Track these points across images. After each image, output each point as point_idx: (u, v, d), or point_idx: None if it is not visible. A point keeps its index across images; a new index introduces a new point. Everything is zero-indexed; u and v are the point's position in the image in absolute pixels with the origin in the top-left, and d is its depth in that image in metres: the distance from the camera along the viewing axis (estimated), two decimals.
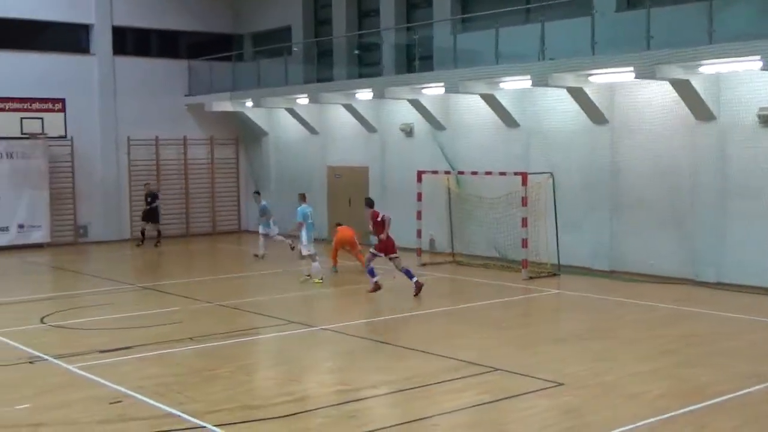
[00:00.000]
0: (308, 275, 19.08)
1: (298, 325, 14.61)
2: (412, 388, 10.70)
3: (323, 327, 14.50)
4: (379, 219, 17.69)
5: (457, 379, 11.09)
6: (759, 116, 16.81)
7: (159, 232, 27.13)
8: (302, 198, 19.89)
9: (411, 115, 23.90)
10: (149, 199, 26.93)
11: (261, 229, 23.67)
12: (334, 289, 18.69)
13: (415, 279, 17.31)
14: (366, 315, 15.97)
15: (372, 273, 17.58)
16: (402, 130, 24.52)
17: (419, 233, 21.87)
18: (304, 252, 19.24)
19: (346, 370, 11.98)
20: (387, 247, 17.61)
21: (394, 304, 16.84)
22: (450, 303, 17.22)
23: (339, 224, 21.52)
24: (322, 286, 18.57)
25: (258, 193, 25.08)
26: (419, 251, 21.69)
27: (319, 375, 11.82)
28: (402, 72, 23.69)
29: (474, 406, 9.94)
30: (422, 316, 15.75)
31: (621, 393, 10.31)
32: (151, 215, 26.91)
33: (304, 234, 18.86)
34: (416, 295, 17.06)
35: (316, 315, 16.18)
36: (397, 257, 17.68)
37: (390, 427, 9.33)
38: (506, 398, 10.23)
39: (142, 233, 26.96)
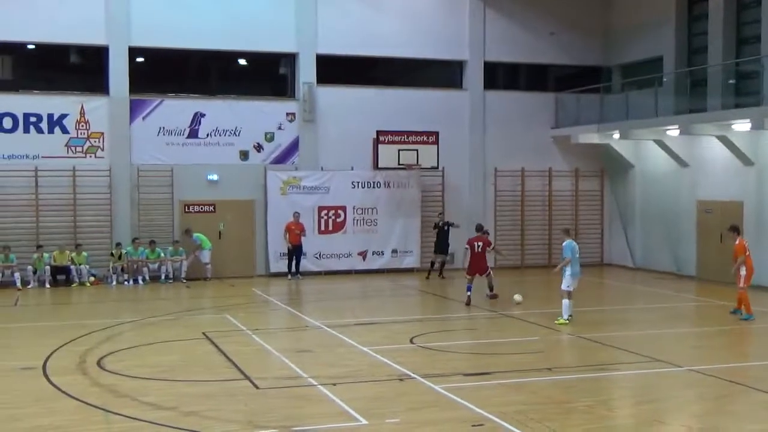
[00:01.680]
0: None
1: (663, 364, 14.03)
2: None
3: (690, 368, 13.81)
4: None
5: None
6: None
7: (443, 263, 26.79)
8: (567, 233, 18.98)
9: None
10: (444, 228, 26.72)
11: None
12: (705, 329, 17.76)
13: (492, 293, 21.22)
14: (739, 359, 14.95)
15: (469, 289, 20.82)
16: None
17: None
18: (564, 287, 17.92)
19: (715, 414, 11.30)
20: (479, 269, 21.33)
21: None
22: None
23: None
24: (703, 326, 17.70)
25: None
26: None
27: (686, 417, 11.26)
28: None
29: None
30: None
31: None
32: (442, 246, 26.70)
33: (568, 271, 17.92)
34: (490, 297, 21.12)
35: (682, 354, 15.44)
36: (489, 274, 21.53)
37: None
38: None
39: (432, 265, 26.98)
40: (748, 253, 18.42)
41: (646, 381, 13.19)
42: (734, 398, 12.10)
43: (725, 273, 24.23)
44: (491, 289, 21.46)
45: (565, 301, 17.80)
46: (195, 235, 25.88)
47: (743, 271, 18.28)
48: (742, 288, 18.31)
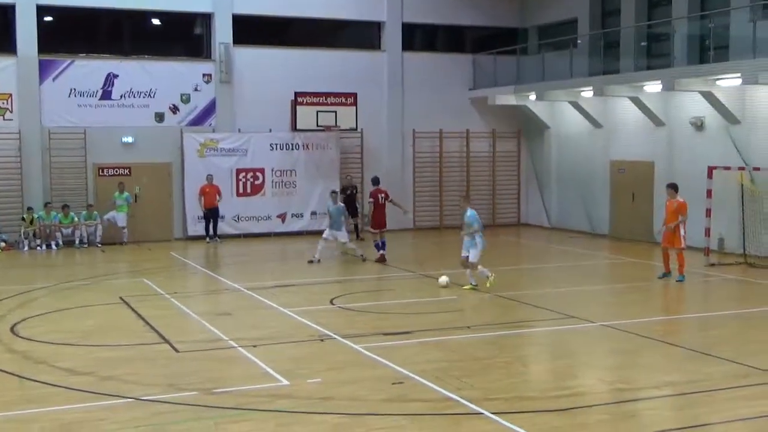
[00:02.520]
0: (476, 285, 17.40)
1: (578, 320, 14.41)
2: (696, 392, 10.22)
3: (603, 323, 14.20)
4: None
5: (746, 386, 10.46)
6: None
7: (356, 225, 26.73)
8: (468, 200, 18.30)
9: (702, 108, 22.77)
10: (348, 192, 26.67)
11: (327, 234, 21.90)
12: (617, 286, 18.25)
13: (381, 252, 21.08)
14: (649, 314, 15.42)
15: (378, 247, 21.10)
16: (692, 123, 23.41)
17: (707, 232, 20.78)
18: (473, 259, 17.11)
19: (626, 368, 11.67)
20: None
21: (678, 304, 16.17)
22: (740, 306, 16.23)
23: None
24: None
25: (336, 193, 23.43)
26: (707, 251, 20.63)
27: (598, 371, 11.60)
28: (694, 63, 22.59)
29: (764, 416, 9.33)
30: (710, 318, 14.99)
31: None
32: (350, 209, 26.07)
33: (479, 242, 17.12)
34: (376, 261, 21.05)
35: (596, 311, 15.85)
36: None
37: (674, 430, 9.00)
38: None
39: None
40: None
41: (562, 337, 13.54)
42: (645, 352, 12.48)
43: (636, 231, 25.00)
44: (383, 247, 21.56)
45: (472, 271, 17.13)
46: (125, 194, 25.42)
47: (683, 231, 18.12)
48: (684, 248, 18.22)
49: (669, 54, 23.59)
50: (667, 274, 18.55)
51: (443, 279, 17.70)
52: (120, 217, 25.53)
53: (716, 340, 13.00)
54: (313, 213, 27.95)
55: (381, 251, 21.40)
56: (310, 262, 21.46)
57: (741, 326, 14.37)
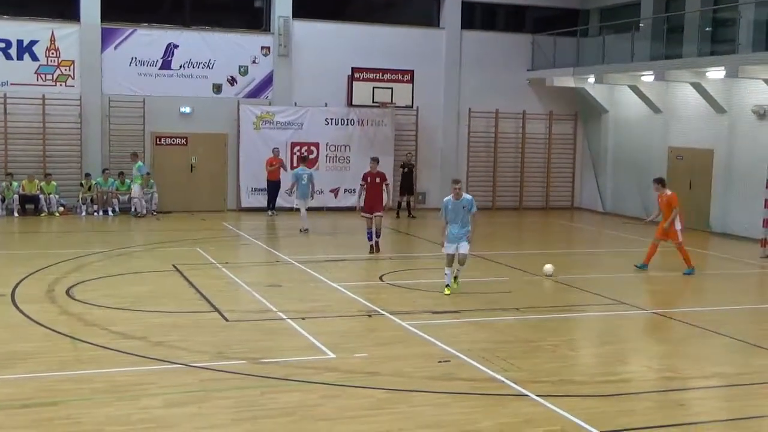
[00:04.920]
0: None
1: (628, 307, 14.27)
2: (747, 384, 10.09)
3: (654, 311, 14.05)
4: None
5: None
6: None
7: (409, 203, 26.86)
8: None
9: (766, 97, 22.29)
10: (405, 170, 26.85)
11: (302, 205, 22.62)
12: (670, 274, 18.03)
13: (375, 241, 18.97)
14: (701, 303, 15.22)
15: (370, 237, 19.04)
16: (754, 111, 22.93)
17: (766, 222, 20.38)
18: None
19: (675, 356, 11.53)
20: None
21: (731, 295, 15.91)
22: None
23: None
24: (648, 270, 17.86)
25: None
26: (764, 242, 20.22)
27: (647, 359, 11.48)
28: (759, 50, 22.09)
29: None
30: (762, 311, 14.81)
31: None
32: (407, 187, 26.85)
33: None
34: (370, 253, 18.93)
35: (647, 298, 15.71)
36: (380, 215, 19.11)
37: (722, 421, 8.90)
38: None
39: (399, 205, 26.88)
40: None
41: (610, 323, 13.43)
42: (694, 341, 12.34)
43: (692, 220, 24.63)
44: (378, 235, 19.23)
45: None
46: (138, 163, 25.00)
47: (678, 225, 17.67)
48: (681, 242, 17.69)
49: (734, 40, 23.10)
50: (644, 266, 17.76)
51: (548, 267, 16.72)
52: (134, 189, 25.13)
53: None
54: None
55: (371, 241, 19.19)
56: (304, 231, 22.14)
57: None
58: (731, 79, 22.62)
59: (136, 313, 12.90)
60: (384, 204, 19.25)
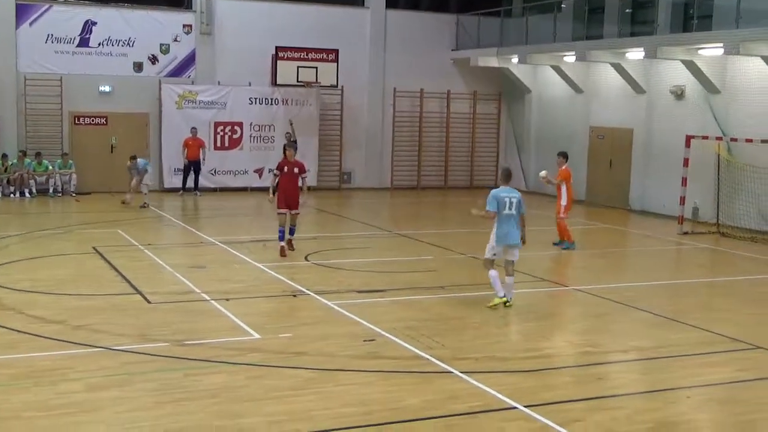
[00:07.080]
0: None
1: (550, 284, 14.51)
2: (664, 357, 10.38)
3: (575, 287, 14.31)
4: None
5: (714, 353, 10.59)
6: None
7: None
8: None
9: (683, 77, 22.80)
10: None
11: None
12: (590, 251, 18.35)
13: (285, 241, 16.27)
14: (620, 279, 15.55)
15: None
16: (672, 92, 23.45)
17: (682, 200, 20.92)
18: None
19: (595, 332, 11.77)
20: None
21: (650, 271, 16.30)
22: (711, 275, 16.45)
23: None
24: (577, 246, 18.17)
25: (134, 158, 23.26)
26: (681, 219, 20.77)
27: (568, 334, 11.71)
28: (677, 31, 22.58)
29: (730, 382, 9.46)
30: (679, 286, 15.15)
31: None
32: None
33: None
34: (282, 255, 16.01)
35: (568, 275, 15.99)
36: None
37: (639, 393, 9.10)
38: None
39: None
40: (571, 181, 18.23)
41: (534, 299, 13.62)
42: (615, 316, 12.61)
43: (612, 198, 25.14)
44: (291, 233, 16.61)
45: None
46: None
47: (564, 201, 17.98)
48: (563, 218, 18.05)
49: (653, 21, 23.53)
50: (570, 244, 17.96)
51: (543, 173, 18.49)
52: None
53: (685, 307, 13.14)
54: None
55: (282, 242, 16.32)
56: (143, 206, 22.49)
57: (710, 294, 14.57)
58: (650, 59, 23.07)
59: (55, 296, 12.62)
60: (301, 201, 16.52)
